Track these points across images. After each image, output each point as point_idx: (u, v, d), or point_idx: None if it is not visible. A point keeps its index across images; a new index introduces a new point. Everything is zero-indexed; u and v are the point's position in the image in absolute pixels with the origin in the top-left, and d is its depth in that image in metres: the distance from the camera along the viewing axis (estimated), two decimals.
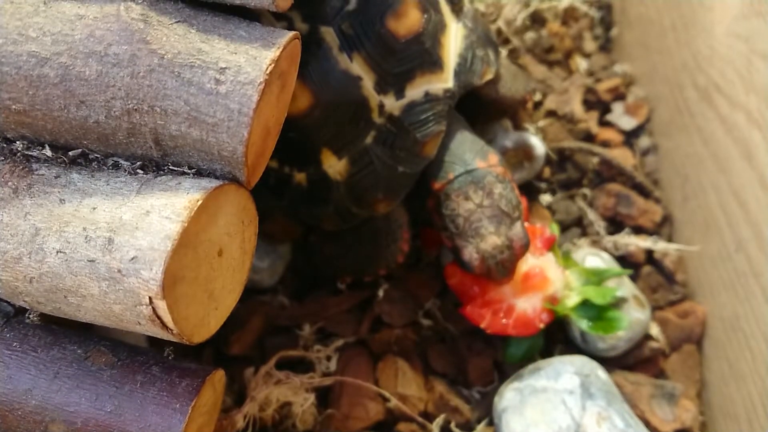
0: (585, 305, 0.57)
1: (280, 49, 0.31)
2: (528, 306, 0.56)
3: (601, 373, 0.53)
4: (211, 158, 0.33)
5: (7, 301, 0.36)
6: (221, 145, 0.32)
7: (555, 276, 0.57)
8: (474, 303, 0.56)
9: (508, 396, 0.53)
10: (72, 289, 0.31)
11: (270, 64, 0.30)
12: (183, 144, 0.32)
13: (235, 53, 0.31)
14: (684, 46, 0.65)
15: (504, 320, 0.55)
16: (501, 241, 0.53)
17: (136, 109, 0.31)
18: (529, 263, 0.57)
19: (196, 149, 0.32)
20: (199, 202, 0.31)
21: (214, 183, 0.32)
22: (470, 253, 0.53)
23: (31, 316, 0.35)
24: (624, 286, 0.59)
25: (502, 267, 0.53)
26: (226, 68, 0.30)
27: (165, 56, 0.30)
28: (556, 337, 0.61)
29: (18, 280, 0.32)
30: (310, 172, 0.53)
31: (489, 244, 0.53)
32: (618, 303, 0.58)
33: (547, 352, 0.60)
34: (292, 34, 0.33)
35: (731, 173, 0.57)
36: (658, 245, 0.62)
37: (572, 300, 0.57)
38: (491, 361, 0.60)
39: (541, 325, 0.55)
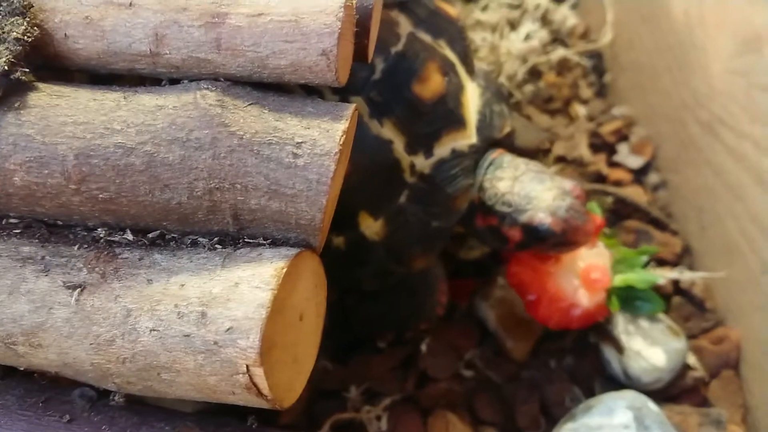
0: (624, 288, 0.59)
1: (348, 121, 0.33)
2: (591, 304, 0.58)
3: (651, 405, 0.54)
4: (287, 228, 0.34)
5: (89, 386, 0.37)
6: (299, 214, 0.33)
7: (607, 264, 0.59)
8: (540, 303, 0.58)
9: None
10: (167, 366, 0.32)
11: (342, 135, 0.33)
12: (261, 216, 0.34)
13: (309, 128, 0.33)
14: (681, 85, 0.69)
15: (569, 318, 0.58)
16: (555, 191, 0.53)
17: (217, 188, 0.33)
18: (586, 259, 0.58)
19: (274, 220, 0.34)
20: (284, 270, 0.32)
21: (292, 251, 0.34)
22: (539, 218, 0.52)
23: (116, 398, 0.36)
24: (659, 317, 0.61)
25: (576, 213, 0.52)
26: (302, 142, 0.32)
27: (244, 136, 0.32)
28: (595, 375, 0.62)
29: (111, 362, 0.33)
30: (348, 235, 0.55)
31: (546, 198, 0.53)
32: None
33: (588, 391, 0.61)
34: (353, 106, 0.35)
35: (747, 200, 0.59)
36: (685, 275, 0.64)
37: (615, 280, 0.59)
38: (538, 406, 0.60)
39: (602, 319, 0.59)
